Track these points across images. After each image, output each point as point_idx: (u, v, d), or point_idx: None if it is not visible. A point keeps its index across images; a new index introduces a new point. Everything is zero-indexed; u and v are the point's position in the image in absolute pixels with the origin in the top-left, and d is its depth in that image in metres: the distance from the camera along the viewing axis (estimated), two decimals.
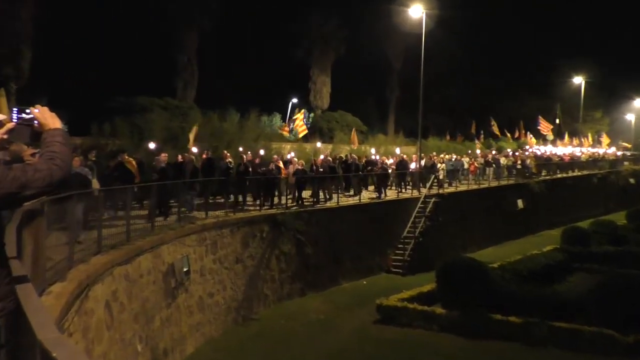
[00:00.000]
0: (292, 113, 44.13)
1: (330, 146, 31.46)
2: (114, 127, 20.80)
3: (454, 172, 27.53)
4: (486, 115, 44.29)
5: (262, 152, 21.75)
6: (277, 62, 44.69)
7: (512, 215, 28.95)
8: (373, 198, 22.46)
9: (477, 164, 29.53)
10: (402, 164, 24.83)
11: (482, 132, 43.35)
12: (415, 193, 24.35)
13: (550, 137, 47.22)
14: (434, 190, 24.82)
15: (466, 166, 29.12)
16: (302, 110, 25.59)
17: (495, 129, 40.54)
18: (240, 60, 43.16)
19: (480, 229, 26.73)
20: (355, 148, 29.28)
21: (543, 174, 34.56)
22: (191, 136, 18.58)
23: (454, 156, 30.71)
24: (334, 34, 42.44)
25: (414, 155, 27.30)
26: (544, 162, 35.99)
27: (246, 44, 44.33)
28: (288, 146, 27.63)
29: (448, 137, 43.00)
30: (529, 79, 55.38)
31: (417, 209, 22.88)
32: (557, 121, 46.65)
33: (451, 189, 26.54)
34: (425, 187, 24.86)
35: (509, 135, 45.03)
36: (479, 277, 15.71)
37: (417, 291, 17.06)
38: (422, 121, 27.54)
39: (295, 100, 43.26)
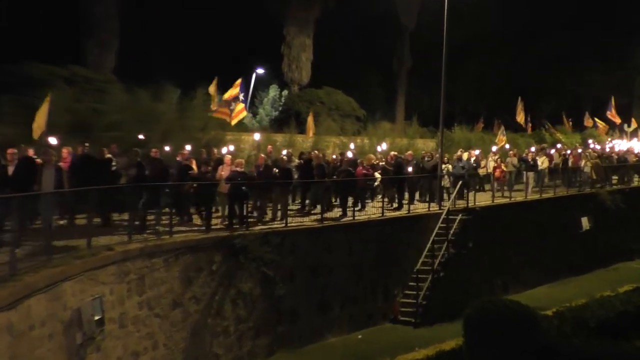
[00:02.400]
0: (257, 88, 43.99)
1: (310, 138, 31.55)
2: None
3: (464, 179, 26.53)
4: (536, 97, 44.74)
5: (188, 147, 21.51)
6: (237, 17, 44.60)
7: (573, 241, 29.21)
8: (370, 215, 22.48)
9: (504, 166, 28.59)
10: (397, 166, 24.54)
11: (529, 118, 43.71)
12: (434, 207, 24.46)
13: (633, 126, 47.66)
14: (461, 204, 24.92)
15: (489, 169, 28.56)
16: (239, 81, 24.55)
17: (520, 117, 40.29)
18: (182, 15, 42.97)
19: (528, 259, 26.91)
20: (310, 139, 29.07)
21: (614, 181, 34.50)
22: (39, 116, 17.01)
23: (477, 152, 30.49)
24: None
25: (408, 153, 27.13)
26: (616, 163, 35.94)
27: None
28: (250, 138, 27.56)
29: (481, 126, 43.31)
30: (601, 46, 55.82)
31: (436, 230, 22.95)
32: (611, 111, 45.87)
33: (484, 202, 26.65)
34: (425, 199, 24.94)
35: (568, 124, 45.50)
36: (525, 328, 15.71)
37: (436, 349, 17.05)
38: (446, 104, 27.58)
39: (261, 71, 43.11)
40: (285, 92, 45.10)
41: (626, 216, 32.14)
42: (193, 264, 16.38)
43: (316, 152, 24.36)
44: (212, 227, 18.10)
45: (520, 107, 40.84)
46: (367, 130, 36.59)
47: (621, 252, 31.67)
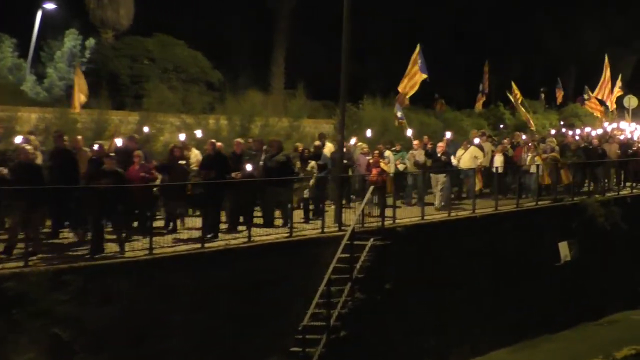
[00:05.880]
0: (44, 35, 43.21)
1: (135, 116, 31.50)
2: None
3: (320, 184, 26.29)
4: (495, 59, 46.30)
5: None
6: None
7: (548, 279, 30.03)
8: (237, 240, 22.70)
9: (384, 164, 27.81)
10: (217, 164, 24.02)
11: (480, 91, 45.24)
12: (332, 227, 24.72)
13: (634, 103, 49.92)
14: (372, 222, 25.39)
15: (359, 167, 28.45)
16: None
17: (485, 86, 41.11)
18: None
19: (479, 309, 27.49)
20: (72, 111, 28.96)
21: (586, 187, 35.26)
22: None
23: (352, 141, 30.53)
24: None
25: (236, 140, 26.66)
26: (592, 157, 35.91)
27: None
28: (33, 115, 27.28)
29: (406, 102, 44.30)
30: None
31: (334, 264, 22.91)
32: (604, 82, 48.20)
33: (410, 219, 26.88)
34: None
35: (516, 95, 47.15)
36: None
37: None
38: (352, 66, 27.79)
39: (51, 6, 42.41)
40: (91, 42, 44.47)
41: (628, 240, 33.14)
42: None
43: (79, 138, 24.07)
44: None
45: (485, 70, 42.37)
46: (225, 105, 36.56)
47: (620, 296, 32.56)
